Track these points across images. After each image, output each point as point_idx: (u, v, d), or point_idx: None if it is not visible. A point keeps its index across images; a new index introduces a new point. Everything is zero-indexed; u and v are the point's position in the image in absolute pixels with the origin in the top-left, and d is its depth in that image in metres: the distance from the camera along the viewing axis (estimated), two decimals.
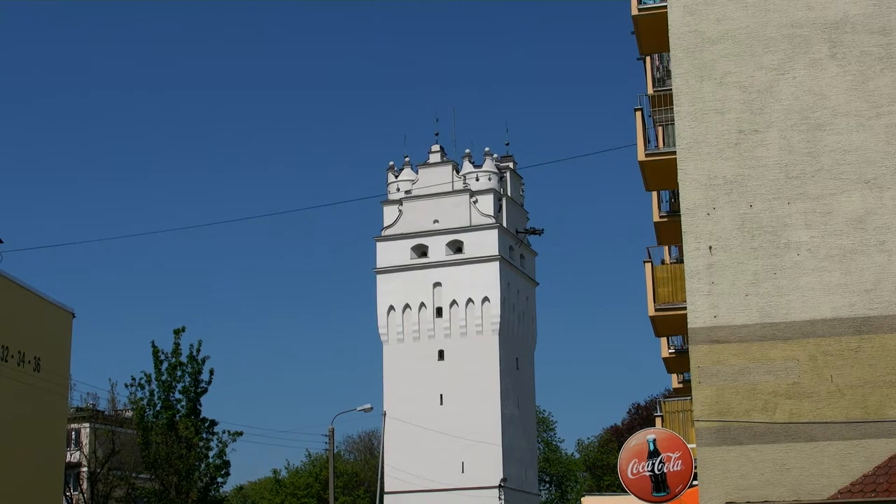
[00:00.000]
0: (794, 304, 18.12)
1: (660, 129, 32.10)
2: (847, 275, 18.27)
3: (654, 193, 35.48)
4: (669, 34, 22.12)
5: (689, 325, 18.44)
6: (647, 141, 31.43)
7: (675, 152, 21.33)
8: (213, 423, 63.06)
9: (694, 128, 20.43)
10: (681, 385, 46.11)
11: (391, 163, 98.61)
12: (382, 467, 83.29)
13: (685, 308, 19.07)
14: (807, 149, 19.91)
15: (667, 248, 39.47)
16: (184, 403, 61.97)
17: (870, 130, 19.85)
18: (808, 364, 17.67)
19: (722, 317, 18.16)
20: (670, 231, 33.26)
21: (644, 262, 34.62)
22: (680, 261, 32.52)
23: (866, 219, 19.11)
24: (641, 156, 31.01)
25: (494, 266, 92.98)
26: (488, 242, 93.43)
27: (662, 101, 30.64)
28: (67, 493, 63.74)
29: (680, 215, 20.24)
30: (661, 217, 35.18)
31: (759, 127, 20.16)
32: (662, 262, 37.09)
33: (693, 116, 20.51)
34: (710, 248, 18.66)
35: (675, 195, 33.08)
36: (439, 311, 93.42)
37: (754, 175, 19.80)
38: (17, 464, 49.42)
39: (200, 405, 62.77)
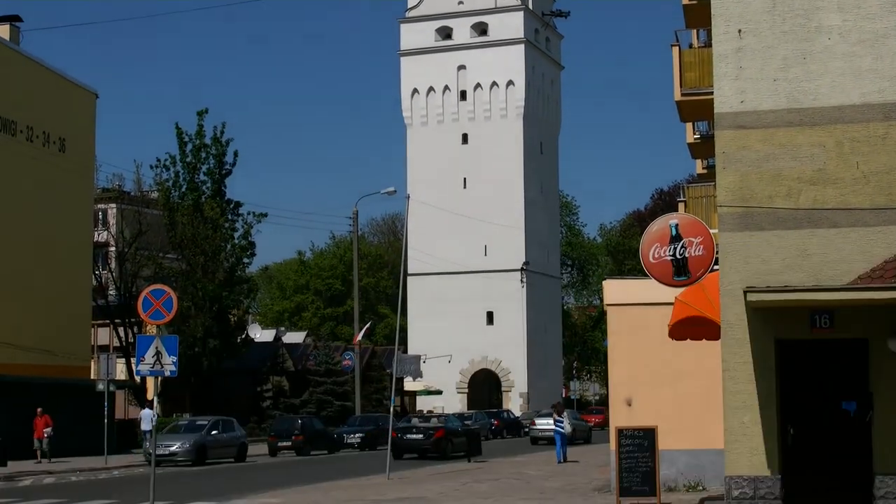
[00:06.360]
0: (822, 90, 17.81)
1: None
2: (878, 60, 17.89)
3: None
4: None
5: (715, 110, 18.17)
6: None
7: None
8: (238, 204, 63.77)
9: None
10: (705, 171, 46.10)
11: None
12: (406, 249, 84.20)
13: (712, 93, 18.78)
14: None
15: (695, 31, 38.75)
16: (209, 185, 62.56)
17: None
18: (835, 150, 17.48)
19: (749, 102, 17.87)
20: (699, 14, 32.59)
21: (672, 45, 34.10)
22: (708, 45, 32.00)
23: None
24: None
25: (519, 49, 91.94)
26: (514, 25, 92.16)
27: None
28: (96, 272, 64.81)
29: None
30: None
31: None
32: (690, 46, 36.50)
33: None
34: (740, 31, 18.23)
35: None
36: (463, 95, 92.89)
37: None
38: (47, 242, 50.29)
39: (225, 187, 63.37)
